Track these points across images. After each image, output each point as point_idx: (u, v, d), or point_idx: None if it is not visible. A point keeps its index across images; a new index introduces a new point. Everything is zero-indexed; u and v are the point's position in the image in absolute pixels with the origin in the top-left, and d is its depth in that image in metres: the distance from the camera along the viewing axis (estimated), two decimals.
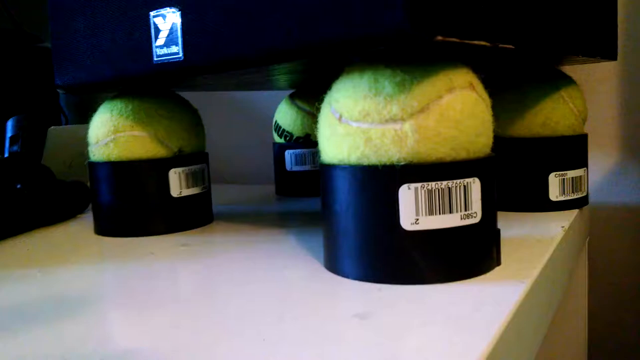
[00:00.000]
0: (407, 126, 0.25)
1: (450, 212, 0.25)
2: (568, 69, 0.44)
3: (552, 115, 0.40)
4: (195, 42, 0.31)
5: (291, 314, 0.23)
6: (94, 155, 0.41)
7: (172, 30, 0.32)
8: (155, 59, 0.33)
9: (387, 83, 0.25)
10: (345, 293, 0.25)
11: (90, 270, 0.31)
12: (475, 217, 0.26)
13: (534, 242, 0.32)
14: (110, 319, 0.24)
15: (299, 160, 0.54)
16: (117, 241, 0.39)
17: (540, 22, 0.30)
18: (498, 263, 0.28)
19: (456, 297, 0.24)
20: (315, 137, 0.53)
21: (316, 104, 0.29)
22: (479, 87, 0.27)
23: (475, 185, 0.26)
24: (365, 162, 0.26)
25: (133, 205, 0.40)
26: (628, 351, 0.53)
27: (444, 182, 0.25)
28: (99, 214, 0.41)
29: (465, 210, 0.26)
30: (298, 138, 0.54)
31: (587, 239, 0.50)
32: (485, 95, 0.27)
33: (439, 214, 0.25)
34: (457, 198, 0.25)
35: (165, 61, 0.32)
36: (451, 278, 0.26)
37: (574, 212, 0.40)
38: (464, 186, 0.26)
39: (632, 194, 0.52)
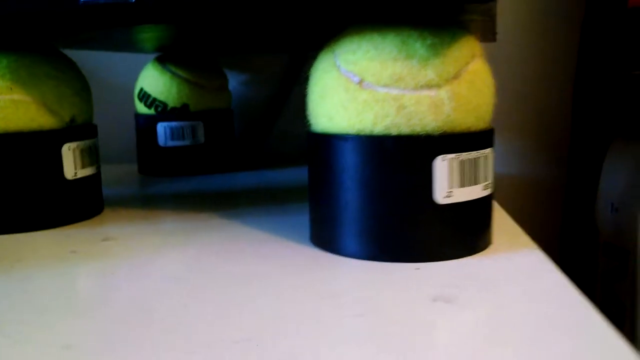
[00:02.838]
0: (443, 93, 0.23)
1: (476, 184, 0.25)
2: None
3: None
4: None
5: (373, 306, 0.20)
6: None
7: None
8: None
9: (418, 46, 0.23)
10: (390, 276, 0.23)
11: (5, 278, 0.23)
12: (490, 187, 0.26)
13: None
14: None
15: (176, 134, 0.48)
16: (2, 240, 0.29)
17: None
18: None
19: (503, 270, 0.23)
20: (195, 107, 0.48)
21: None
22: (483, 56, 0.27)
23: (491, 155, 0.26)
24: (394, 131, 0.24)
25: (15, 193, 0.30)
26: None
27: (473, 153, 0.24)
28: None
29: (485, 180, 0.25)
30: (173, 109, 0.48)
31: None
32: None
33: (468, 185, 0.24)
34: (482, 168, 0.25)
35: (99, 2, 0.25)
36: (475, 251, 0.25)
37: None
38: (486, 156, 0.25)
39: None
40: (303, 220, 0.32)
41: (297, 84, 0.56)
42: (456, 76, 0.24)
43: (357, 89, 0.24)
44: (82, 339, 0.18)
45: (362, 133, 0.24)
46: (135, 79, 0.52)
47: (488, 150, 0.25)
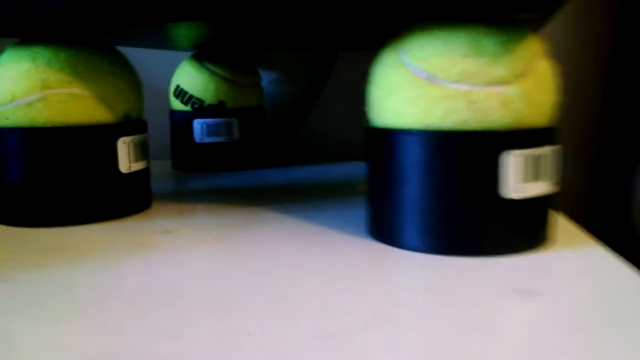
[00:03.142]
0: (513, 90, 0.24)
1: (540, 180, 0.25)
2: None
3: None
4: None
5: (458, 298, 0.20)
6: (5, 118, 0.30)
7: None
8: None
9: (489, 42, 0.24)
10: (464, 270, 0.23)
11: (81, 271, 0.23)
12: (555, 183, 0.26)
13: None
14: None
15: (212, 130, 0.48)
16: (54, 232, 0.29)
17: None
18: None
19: (573, 263, 0.23)
20: (231, 104, 0.48)
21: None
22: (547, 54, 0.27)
23: (555, 152, 0.26)
24: (462, 127, 0.24)
25: (72, 186, 0.31)
26: None
27: (542, 149, 0.25)
28: (12, 198, 0.31)
29: (549, 177, 0.26)
30: (210, 106, 0.48)
31: None
32: None
33: (533, 181, 0.25)
34: (547, 165, 0.25)
35: None
36: (539, 246, 0.26)
37: None
38: (550, 153, 0.25)
39: None
40: (353, 213, 0.32)
41: (327, 83, 0.57)
42: (524, 73, 0.24)
43: (426, 85, 0.24)
44: (181, 329, 0.18)
45: (430, 129, 0.24)
46: (165, 76, 0.53)
47: (553, 147, 0.26)
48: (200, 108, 0.48)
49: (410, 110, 0.25)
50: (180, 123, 0.49)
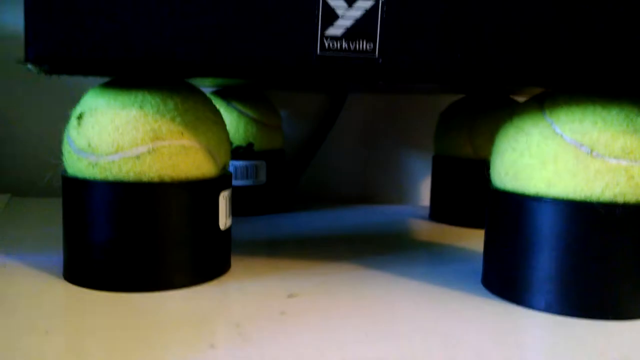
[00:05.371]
0: None
1: None
2: None
3: None
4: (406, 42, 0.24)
5: None
6: (108, 171, 0.27)
7: (365, 18, 0.24)
8: (321, 51, 0.24)
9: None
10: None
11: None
12: None
13: None
14: None
15: (241, 173, 0.46)
16: (159, 298, 0.26)
17: None
18: None
19: None
20: (259, 146, 0.46)
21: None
22: None
23: None
24: (620, 199, 0.25)
25: (174, 245, 0.28)
26: None
27: None
28: (111, 259, 0.27)
29: None
30: (238, 148, 0.46)
31: None
32: None
33: None
34: None
35: (341, 56, 0.24)
36: None
37: None
38: None
39: None
40: (449, 265, 0.32)
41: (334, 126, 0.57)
42: None
43: (589, 158, 0.25)
44: None
45: (588, 200, 0.25)
46: None
47: None
48: None
49: (568, 181, 0.26)
50: None
